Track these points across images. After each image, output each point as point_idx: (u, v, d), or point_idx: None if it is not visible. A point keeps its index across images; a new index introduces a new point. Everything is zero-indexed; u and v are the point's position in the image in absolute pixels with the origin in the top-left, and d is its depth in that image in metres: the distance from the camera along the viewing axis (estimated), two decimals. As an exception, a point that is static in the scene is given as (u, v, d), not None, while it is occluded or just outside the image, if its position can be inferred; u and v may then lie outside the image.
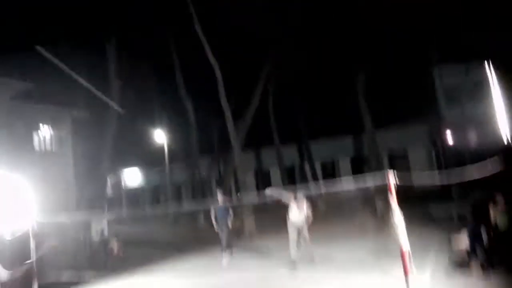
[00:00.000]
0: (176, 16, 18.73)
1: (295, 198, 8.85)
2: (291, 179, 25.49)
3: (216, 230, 10.21)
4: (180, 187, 29.80)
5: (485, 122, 13.58)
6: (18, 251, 7.63)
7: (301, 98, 23.71)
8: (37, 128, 16.66)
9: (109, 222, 12.50)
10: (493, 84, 6.33)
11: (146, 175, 32.88)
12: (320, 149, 24.86)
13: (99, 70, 19.67)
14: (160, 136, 24.00)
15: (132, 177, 33.48)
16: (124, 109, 20.17)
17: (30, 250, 7.38)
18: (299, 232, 8.78)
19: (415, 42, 18.77)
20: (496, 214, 7.13)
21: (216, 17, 18.72)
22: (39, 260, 7.48)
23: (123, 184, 33.33)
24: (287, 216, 8.90)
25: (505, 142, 6.67)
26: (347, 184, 11.55)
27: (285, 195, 9.04)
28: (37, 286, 7.18)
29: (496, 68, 11.95)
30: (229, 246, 10.24)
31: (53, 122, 17.29)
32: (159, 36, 20.85)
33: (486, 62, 14.16)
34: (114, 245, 11.12)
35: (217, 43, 16.68)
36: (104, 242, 11.02)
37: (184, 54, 21.10)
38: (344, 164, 25.19)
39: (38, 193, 7.66)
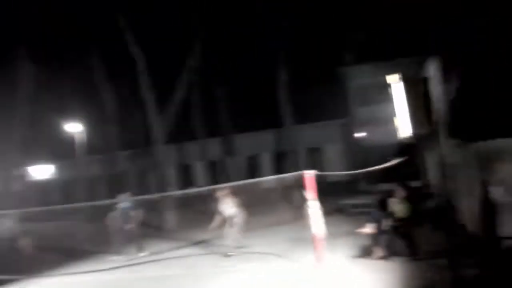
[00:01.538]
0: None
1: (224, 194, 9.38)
2: (214, 173, 25.74)
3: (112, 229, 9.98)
4: (95, 182, 28.38)
5: (390, 121, 15.17)
6: None
7: (224, 92, 23.97)
8: None
9: (17, 219, 11.55)
10: (395, 86, 7.24)
11: (57, 169, 30.69)
12: (242, 144, 25.40)
13: (6, 54, 17.99)
14: (74, 128, 22.44)
15: (41, 170, 31.01)
16: (34, 97, 18.73)
17: None
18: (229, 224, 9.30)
19: (332, 45, 20.22)
20: (395, 204, 8.11)
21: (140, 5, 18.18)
22: None
23: (31, 178, 30.74)
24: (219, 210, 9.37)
25: (403, 139, 7.71)
26: (267, 178, 12.12)
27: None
28: None
29: (400, 72, 13.39)
30: (138, 246, 10.17)
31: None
32: (77, 19, 19.53)
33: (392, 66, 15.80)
34: (24, 244, 10.38)
35: (140, 32, 16.22)
36: (13, 241, 10.22)
37: (103, 39, 20.06)
38: (265, 157, 26.06)
39: None
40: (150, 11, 19.23)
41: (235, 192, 9.73)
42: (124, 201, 9.99)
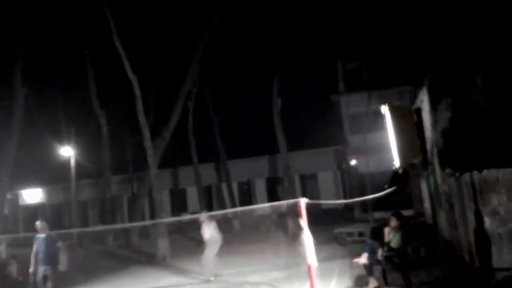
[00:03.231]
0: (94, 26, 18.01)
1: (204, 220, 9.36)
2: (208, 198, 25.60)
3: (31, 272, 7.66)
4: (87, 206, 28.07)
5: (383, 149, 15.27)
6: None
7: (219, 118, 24.14)
8: None
9: (6, 243, 11.32)
10: (386, 116, 7.36)
11: (49, 192, 30.33)
12: (237, 169, 25.40)
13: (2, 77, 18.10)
14: (66, 152, 22.20)
15: (33, 194, 30.62)
16: (27, 120, 18.75)
17: None
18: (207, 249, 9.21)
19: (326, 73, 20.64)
20: (389, 233, 8.07)
21: (137, 29, 18.50)
22: None
23: (22, 201, 30.30)
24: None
25: (396, 168, 7.79)
26: (262, 205, 12.06)
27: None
28: None
29: (392, 101, 13.63)
30: None
31: None
32: (73, 42, 19.74)
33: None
34: (13, 268, 10.11)
35: (137, 57, 16.44)
36: (1, 265, 9.95)
37: (100, 65, 20.25)
38: (260, 183, 26.02)
39: None
40: (148, 37, 19.59)
41: (214, 217, 9.73)
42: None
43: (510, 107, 8.30)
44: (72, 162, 21.78)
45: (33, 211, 30.00)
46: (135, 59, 15.95)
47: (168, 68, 20.73)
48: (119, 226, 17.94)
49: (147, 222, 16.21)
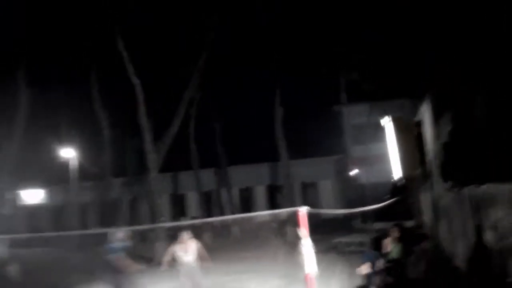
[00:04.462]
0: (98, 28, 18.14)
1: (182, 240, 8.26)
2: (208, 204, 25.61)
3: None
4: (87, 209, 28.04)
5: (383, 160, 15.37)
6: None
7: (222, 124, 24.24)
8: None
9: (7, 244, 11.36)
10: (388, 128, 7.42)
11: (49, 194, 30.33)
12: (237, 175, 25.43)
13: (3, 78, 18.21)
14: (68, 153, 22.20)
15: (33, 195, 30.61)
16: (29, 121, 18.85)
17: None
18: (191, 276, 8.10)
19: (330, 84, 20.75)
20: (390, 244, 8.12)
21: (140, 31, 18.65)
22: None
23: (22, 202, 30.29)
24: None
25: (394, 180, 7.82)
26: (261, 213, 12.09)
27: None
28: None
29: (392, 114, 13.69)
30: None
31: None
32: (76, 45, 19.86)
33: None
34: (13, 269, 10.13)
35: (141, 61, 16.56)
36: (2, 266, 9.98)
37: (103, 67, 20.35)
38: (260, 190, 26.03)
39: None
40: (152, 41, 19.73)
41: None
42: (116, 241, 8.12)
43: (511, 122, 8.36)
44: (73, 163, 21.81)
45: (33, 212, 29.98)
46: (138, 62, 16.08)
47: (171, 71, 20.85)
48: (118, 229, 17.88)
49: (146, 226, 16.21)
